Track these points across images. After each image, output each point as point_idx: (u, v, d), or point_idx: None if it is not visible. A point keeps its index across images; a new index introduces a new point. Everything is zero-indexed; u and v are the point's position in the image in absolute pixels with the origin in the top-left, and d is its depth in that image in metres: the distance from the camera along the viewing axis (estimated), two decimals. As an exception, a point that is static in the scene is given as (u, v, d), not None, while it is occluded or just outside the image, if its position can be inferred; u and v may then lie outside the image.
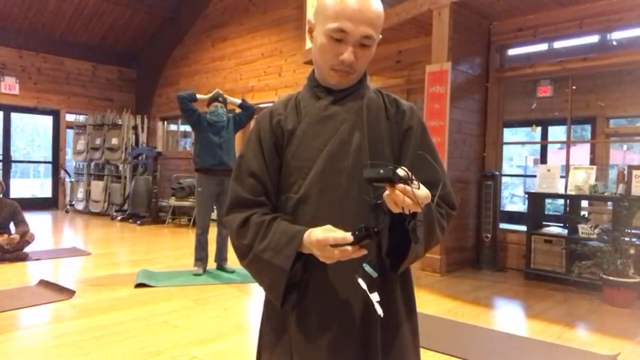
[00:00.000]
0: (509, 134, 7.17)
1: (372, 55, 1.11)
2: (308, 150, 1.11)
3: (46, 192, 11.02)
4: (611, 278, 3.84)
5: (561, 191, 4.76)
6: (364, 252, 0.96)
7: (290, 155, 1.12)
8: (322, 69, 1.13)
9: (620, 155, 7.27)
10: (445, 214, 1.13)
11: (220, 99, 4.77)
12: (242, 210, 1.11)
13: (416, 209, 0.90)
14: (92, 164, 9.74)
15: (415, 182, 0.91)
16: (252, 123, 5.19)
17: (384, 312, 1.05)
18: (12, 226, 5.28)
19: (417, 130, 1.16)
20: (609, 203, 4.69)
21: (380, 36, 1.12)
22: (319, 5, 1.10)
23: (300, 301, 1.10)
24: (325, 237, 0.96)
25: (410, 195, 0.88)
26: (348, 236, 0.95)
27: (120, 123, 9.37)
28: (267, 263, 1.05)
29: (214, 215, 4.69)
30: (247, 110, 4.90)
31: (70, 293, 3.75)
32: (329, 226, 1.00)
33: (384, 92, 1.21)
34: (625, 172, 4.24)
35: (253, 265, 1.10)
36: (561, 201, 6.58)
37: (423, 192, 0.91)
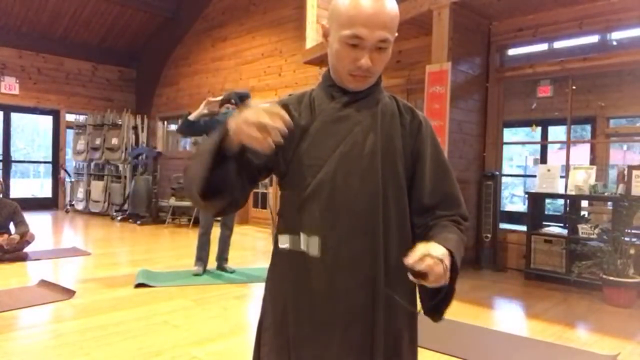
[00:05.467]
0: (509, 134, 7.17)
1: (389, 57, 1.11)
2: (320, 149, 1.11)
3: (46, 192, 11.02)
4: (611, 278, 3.84)
5: (561, 191, 4.77)
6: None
7: (302, 152, 1.12)
8: (340, 74, 1.12)
9: (620, 155, 7.27)
10: (464, 229, 1.16)
11: (232, 100, 4.68)
12: None
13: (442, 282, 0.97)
14: (92, 164, 9.74)
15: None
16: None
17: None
18: (12, 226, 5.28)
19: (432, 146, 1.17)
20: (609, 203, 4.69)
21: (396, 34, 1.11)
22: (332, 10, 1.09)
23: (299, 299, 1.10)
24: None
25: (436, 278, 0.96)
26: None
27: (120, 123, 9.37)
28: (196, 157, 1.03)
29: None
30: (243, 99, 4.80)
31: (70, 293, 3.75)
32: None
33: (398, 97, 1.21)
34: (625, 172, 4.24)
35: (186, 176, 1.06)
36: (561, 201, 6.58)
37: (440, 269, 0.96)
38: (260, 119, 0.92)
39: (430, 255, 0.95)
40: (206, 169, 0.99)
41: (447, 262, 0.97)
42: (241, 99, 4.77)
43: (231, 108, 4.67)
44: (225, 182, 1.03)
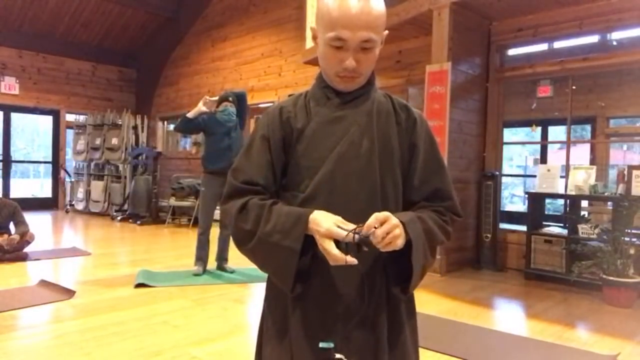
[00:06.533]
0: (509, 134, 7.17)
1: (377, 57, 1.11)
2: (318, 150, 1.11)
3: (46, 192, 11.02)
4: (611, 278, 3.84)
5: (561, 191, 4.77)
6: (354, 261, 0.98)
7: (299, 153, 1.12)
8: (329, 76, 1.13)
9: (620, 155, 7.27)
10: (450, 220, 1.18)
11: (230, 98, 4.73)
12: (240, 198, 1.10)
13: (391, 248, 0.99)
14: (92, 164, 9.74)
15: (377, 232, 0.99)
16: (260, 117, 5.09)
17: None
18: (12, 226, 5.28)
19: (427, 142, 1.18)
20: (609, 203, 4.69)
21: (386, 32, 1.11)
22: (318, 13, 1.10)
23: (302, 298, 1.10)
24: (329, 230, 0.99)
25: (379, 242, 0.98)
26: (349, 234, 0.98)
27: (120, 123, 9.37)
28: (275, 246, 1.03)
29: (216, 215, 4.69)
30: (242, 98, 4.83)
31: (70, 293, 3.75)
32: (340, 218, 1.01)
33: (393, 96, 1.22)
34: (625, 172, 4.24)
35: (258, 250, 1.07)
36: (561, 201, 6.58)
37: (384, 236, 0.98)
38: (339, 257, 0.98)
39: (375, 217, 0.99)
40: (294, 272, 1.03)
41: (393, 225, 0.99)
42: (238, 98, 4.81)
43: (229, 106, 4.70)
44: (306, 268, 1.08)
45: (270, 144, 1.13)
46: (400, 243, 1.00)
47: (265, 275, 1.17)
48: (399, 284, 1.10)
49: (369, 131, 1.12)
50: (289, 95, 1.23)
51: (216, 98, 4.81)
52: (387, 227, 0.98)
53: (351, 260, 0.97)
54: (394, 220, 0.99)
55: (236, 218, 1.09)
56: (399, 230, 1.00)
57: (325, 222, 1.00)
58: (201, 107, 4.64)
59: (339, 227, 0.99)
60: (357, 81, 1.12)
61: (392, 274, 1.11)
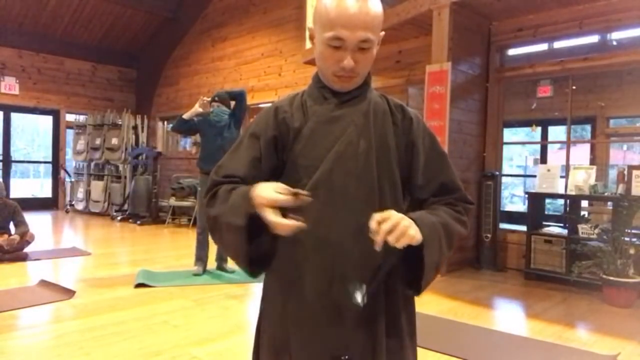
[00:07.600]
0: (509, 134, 7.17)
1: (374, 57, 1.11)
2: (315, 149, 1.11)
3: (46, 192, 11.02)
4: (611, 278, 3.84)
5: (561, 191, 4.77)
6: (298, 222, 0.95)
7: (297, 153, 1.12)
8: (326, 75, 1.13)
9: (620, 155, 7.27)
10: (463, 210, 1.17)
11: (216, 98, 4.76)
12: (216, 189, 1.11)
13: (402, 243, 0.96)
14: (92, 164, 9.74)
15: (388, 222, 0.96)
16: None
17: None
18: (12, 226, 5.28)
19: (425, 139, 1.18)
20: (609, 203, 4.69)
21: (383, 33, 1.12)
22: (315, 13, 1.11)
23: (298, 298, 1.10)
24: (269, 198, 0.95)
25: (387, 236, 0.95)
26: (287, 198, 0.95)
27: (120, 123, 9.37)
28: (227, 225, 1.03)
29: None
30: (239, 98, 4.85)
31: (70, 293, 3.75)
32: (282, 185, 0.98)
33: (389, 96, 1.22)
34: (625, 172, 4.24)
35: (218, 233, 1.07)
36: (561, 201, 6.58)
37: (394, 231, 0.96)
38: (282, 223, 0.94)
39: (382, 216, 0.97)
40: (245, 251, 1.02)
41: (397, 218, 0.97)
42: (234, 97, 4.81)
43: (215, 106, 4.71)
44: (267, 250, 1.06)
45: (260, 142, 1.13)
46: (413, 232, 0.98)
47: (264, 275, 1.17)
48: (409, 283, 1.08)
49: (366, 131, 1.12)
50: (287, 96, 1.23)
51: (195, 110, 4.80)
52: (391, 222, 0.96)
53: (297, 222, 0.94)
54: (395, 214, 0.98)
55: (207, 205, 1.10)
56: (407, 222, 0.98)
57: (265, 191, 0.96)
58: (197, 109, 4.65)
59: (278, 193, 0.95)
60: (354, 81, 1.12)
61: (402, 273, 1.09)
